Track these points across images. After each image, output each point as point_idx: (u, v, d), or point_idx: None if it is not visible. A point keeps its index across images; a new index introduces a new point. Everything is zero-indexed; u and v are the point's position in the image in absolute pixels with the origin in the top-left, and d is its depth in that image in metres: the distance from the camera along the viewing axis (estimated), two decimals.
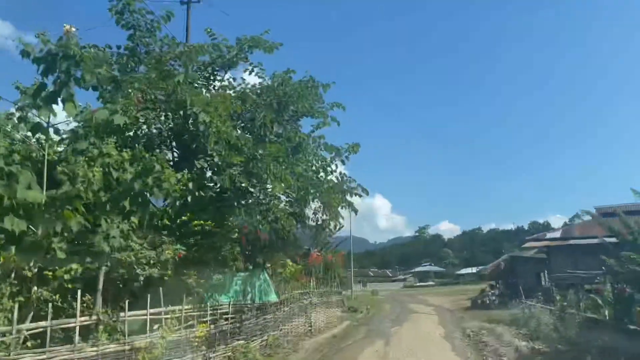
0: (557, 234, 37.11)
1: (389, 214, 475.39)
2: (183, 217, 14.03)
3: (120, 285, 11.07)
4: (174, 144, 16.57)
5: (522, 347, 15.94)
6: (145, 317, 10.61)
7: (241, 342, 14.38)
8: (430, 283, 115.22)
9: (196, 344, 12.06)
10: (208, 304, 13.40)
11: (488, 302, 33.12)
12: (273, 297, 16.81)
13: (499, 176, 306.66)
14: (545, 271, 30.37)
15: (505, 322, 22.55)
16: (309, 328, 21.45)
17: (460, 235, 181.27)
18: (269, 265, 17.82)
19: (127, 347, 9.87)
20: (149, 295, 10.73)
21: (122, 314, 9.98)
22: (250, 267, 16.30)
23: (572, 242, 32.46)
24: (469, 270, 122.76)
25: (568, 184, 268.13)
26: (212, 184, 15.53)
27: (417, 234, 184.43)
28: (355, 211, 21.59)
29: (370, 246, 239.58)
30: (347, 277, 49.03)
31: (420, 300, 48.76)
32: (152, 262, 11.20)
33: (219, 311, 13.77)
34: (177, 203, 12.44)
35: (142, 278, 10.99)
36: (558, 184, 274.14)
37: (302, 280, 22.38)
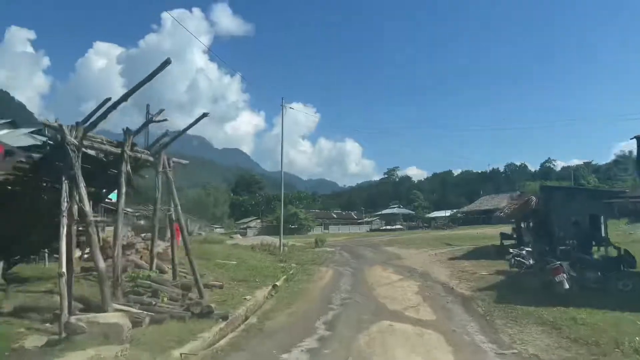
0: None
1: (359, 159, 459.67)
2: None
3: None
4: None
5: None
6: None
7: None
8: (399, 226, 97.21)
9: None
10: None
11: (558, 281, 12.49)
12: None
13: (470, 121, 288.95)
14: None
15: None
16: None
17: (430, 178, 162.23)
18: None
19: None
20: None
21: None
22: None
23: None
24: (441, 213, 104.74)
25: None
26: None
27: (385, 175, 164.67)
28: None
29: (338, 189, 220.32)
30: None
31: (389, 257, 28.23)
32: None
33: None
34: None
35: None
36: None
37: None
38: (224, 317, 10.25)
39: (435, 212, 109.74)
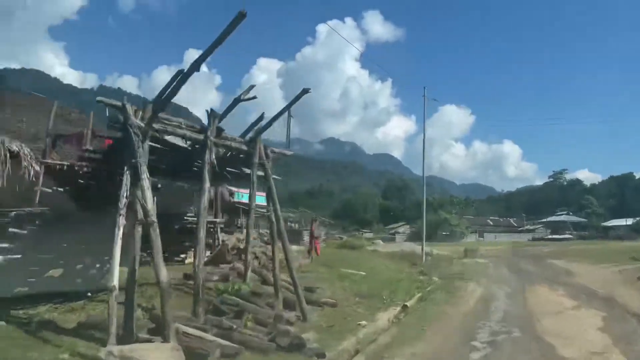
0: None
1: (518, 162, 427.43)
2: None
3: None
4: None
5: None
6: None
7: None
8: (567, 236, 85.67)
9: None
10: None
11: None
12: None
13: None
14: None
15: None
16: None
17: (606, 181, 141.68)
18: None
19: None
20: None
21: None
22: None
23: None
24: (620, 221, 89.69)
25: None
26: None
27: (550, 179, 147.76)
28: None
29: (495, 194, 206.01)
30: None
31: (557, 273, 23.01)
32: None
33: None
34: None
35: None
36: None
37: None
38: (320, 355, 7.51)
39: (612, 221, 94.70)
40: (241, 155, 10.02)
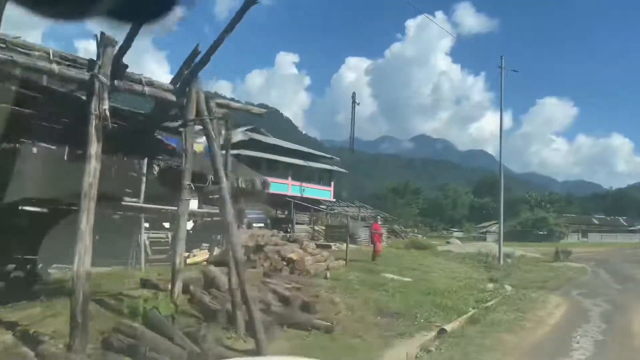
0: None
1: (630, 156, 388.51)
2: None
3: None
4: None
5: None
6: None
7: None
8: None
9: None
10: None
11: None
12: None
13: None
14: None
15: None
16: None
17: None
18: None
19: None
20: None
21: None
22: None
23: None
24: None
25: None
26: None
27: None
28: None
29: (602, 192, 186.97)
30: None
31: None
32: None
33: None
34: None
35: None
36: None
37: None
38: None
39: None
40: (173, 112, 7.00)
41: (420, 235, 37.92)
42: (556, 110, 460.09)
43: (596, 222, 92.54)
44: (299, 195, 33.06)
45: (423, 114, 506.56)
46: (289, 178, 35.10)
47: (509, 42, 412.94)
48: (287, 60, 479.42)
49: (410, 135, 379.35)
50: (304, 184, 35.53)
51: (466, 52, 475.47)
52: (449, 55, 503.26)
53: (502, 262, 21.72)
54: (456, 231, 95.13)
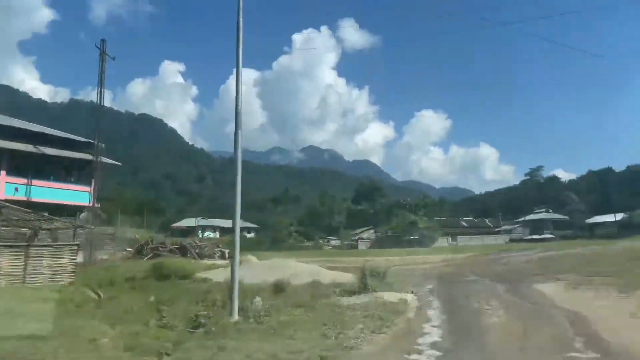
0: None
1: (496, 165, 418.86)
2: None
3: None
4: None
5: None
6: None
7: None
8: (548, 236, 73.65)
9: None
10: None
11: None
12: None
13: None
14: None
15: None
16: None
17: (584, 177, 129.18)
18: None
19: None
20: None
21: None
22: None
23: None
24: (606, 217, 76.69)
25: None
26: None
27: (527, 177, 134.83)
28: None
29: (473, 195, 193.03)
30: None
31: (561, 329, 9.27)
32: None
33: None
34: None
35: None
36: None
37: None
38: None
39: (597, 217, 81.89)
40: None
41: (227, 251, 28.17)
42: (432, 122, 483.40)
43: (465, 224, 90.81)
44: (13, 197, 21.52)
45: (312, 125, 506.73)
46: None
47: (391, 57, 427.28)
48: (172, 69, 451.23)
49: (300, 146, 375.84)
50: (35, 182, 23.80)
51: (351, 66, 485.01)
52: (334, 69, 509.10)
53: (235, 314, 11.07)
54: (333, 239, 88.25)
